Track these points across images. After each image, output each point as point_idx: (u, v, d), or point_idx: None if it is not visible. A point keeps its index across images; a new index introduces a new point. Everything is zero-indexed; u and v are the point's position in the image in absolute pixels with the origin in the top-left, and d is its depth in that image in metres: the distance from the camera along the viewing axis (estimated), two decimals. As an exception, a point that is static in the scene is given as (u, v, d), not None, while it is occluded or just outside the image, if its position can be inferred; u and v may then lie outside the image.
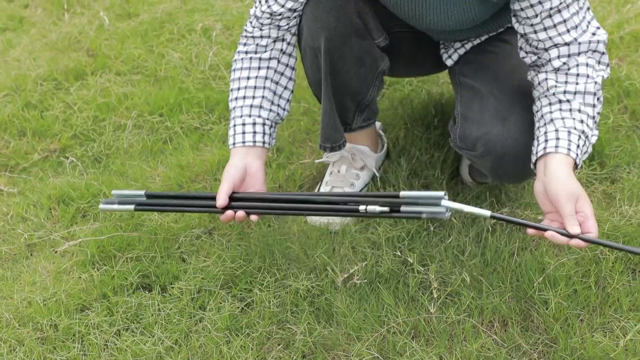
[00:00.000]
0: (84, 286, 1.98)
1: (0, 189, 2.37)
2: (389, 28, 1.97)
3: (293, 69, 1.92)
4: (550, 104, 1.68)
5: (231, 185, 1.77)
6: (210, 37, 2.96)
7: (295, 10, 1.84)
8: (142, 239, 2.09)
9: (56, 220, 2.23)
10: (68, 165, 2.43)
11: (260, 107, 1.86)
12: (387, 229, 2.03)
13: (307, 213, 1.86)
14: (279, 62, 1.89)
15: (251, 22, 1.87)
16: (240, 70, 1.89)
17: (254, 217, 1.76)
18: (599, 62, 1.69)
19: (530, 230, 1.60)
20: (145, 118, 2.58)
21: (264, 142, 1.85)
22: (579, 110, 1.65)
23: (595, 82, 1.66)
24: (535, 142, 1.67)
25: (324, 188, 2.18)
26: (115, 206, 1.88)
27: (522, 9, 1.67)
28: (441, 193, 1.62)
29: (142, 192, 1.87)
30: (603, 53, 1.69)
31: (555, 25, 1.66)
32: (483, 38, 2.00)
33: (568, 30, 1.66)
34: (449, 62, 2.04)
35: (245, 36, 1.89)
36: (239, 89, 1.88)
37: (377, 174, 2.20)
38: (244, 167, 1.82)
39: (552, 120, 1.65)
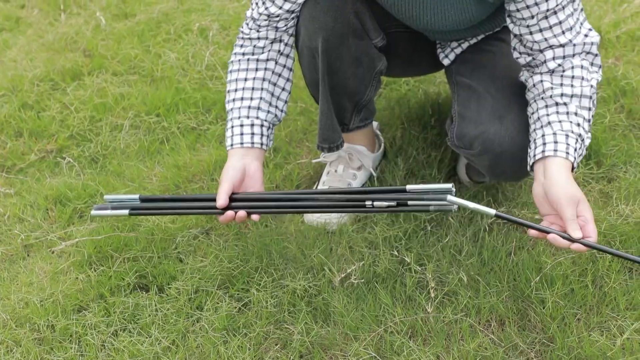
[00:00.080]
0: (81, 287, 1.98)
1: (-3, 190, 2.37)
2: (386, 28, 1.97)
3: (290, 69, 1.92)
4: (546, 106, 1.68)
5: (231, 186, 1.77)
6: (207, 37, 2.95)
7: (292, 12, 1.84)
8: (139, 239, 2.08)
9: (53, 220, 2.22)
10: (65, 166, 2.43)
11: (258, 108, 1.86)
12: (384, 228, 2.03)
13: (312, 210, 1.84)
14: (276, 63, 1.89)
15: (248, 24, 1.86)
16: (238, 71, 1.89)
17: (255, 217, 1.76)
18: (592, 64, 1.70)
19: (532, 232, 1.60)
20: (142, 118, 2.58)
21: (261, 144, 1.85)
22: (576, 114, 1.66)
23: (591, 86, 1.67)
24: (532, 145, 1.67)
25: (321, 188, 2.17)
26: (109, 211, 1.85)
27: (518, 10, 1.68)
28: (449, 185, 1.62)
29: (136, 196, 1.85)
30: (596, 55, 1.70)
31: (551, 27, 1.66)
32: (479, 37, 2.00)
33: (563, 32, 1.67)
34: (446, 62, 2.04)
35: (242, 37, 1.89)
36: (236, 90, 1.88)
37: (374, 174, 2.20)
38: (242, 168, 1.82)
39: (549, 123, 1.66)
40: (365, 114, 2.05)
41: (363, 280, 1.90)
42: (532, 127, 1.70)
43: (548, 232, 1.57)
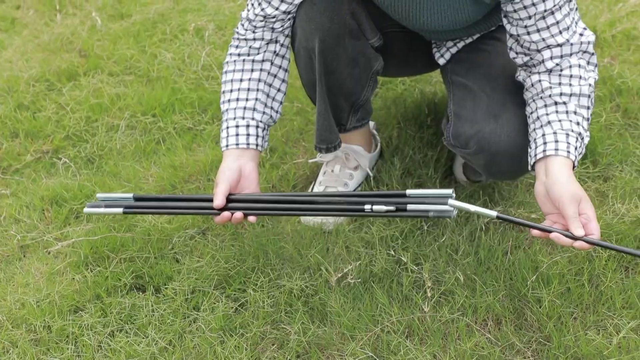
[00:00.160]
0: (78, 287, 1.97)
1: (-8, 191, 2.36)
2: (382, 28, 1.97)
3: (286, 70, 1.92)
4: (546, 105, 1.68)
5: (228, 187, 1.77)
6: (203, 38, 2.95)
7: (289, 13, 1.84)
8: (135, 240, 2.08)
9: (49, 221, 2.22)
10: (61, 167, 2.43)
11: (254, 109, 1.86)
12: (380, 228, 2.03)
13: (310, 213, 1.82)
14: (272, 64, 1.89)
15: (243, 25, 1.86)
16: (233, 72, 1.88)
17: (252, 218, 1.76)
18: (588, 63, 1.70)
19: (535, 232, 1.60)
20: (138, 119, 2.58)
21: (257, 145, 1.85)
22: (575, 112, 1.66)
23: (589, 85, 1.68)
24: (533, 145, 1.67)
25: (318, 188, 2.18)
26: (102, 209, 1.84)
27: (515, 11, 1.68)
28: (449, 191, 1.62)
29: (130, 195, 1.84)
30: (592, 54, 1.70)
31: (548, 27, 1.67)
32: (475, 37, 2.00)
33: (560, 32, 1.67)
34: (442, 61, 2.04)
35: (238, 38, 1.88)
36: (231, 90, 1.88)
37: (371, 174, 2.20)
38: (238, 168, 1.81)
39: (549, 122, 1.66)
40: (362, 114, 2.05)
41: (360, 280, 1.90)
42: (532, 126, 1.71)
43: (550, 232, 1.57)
